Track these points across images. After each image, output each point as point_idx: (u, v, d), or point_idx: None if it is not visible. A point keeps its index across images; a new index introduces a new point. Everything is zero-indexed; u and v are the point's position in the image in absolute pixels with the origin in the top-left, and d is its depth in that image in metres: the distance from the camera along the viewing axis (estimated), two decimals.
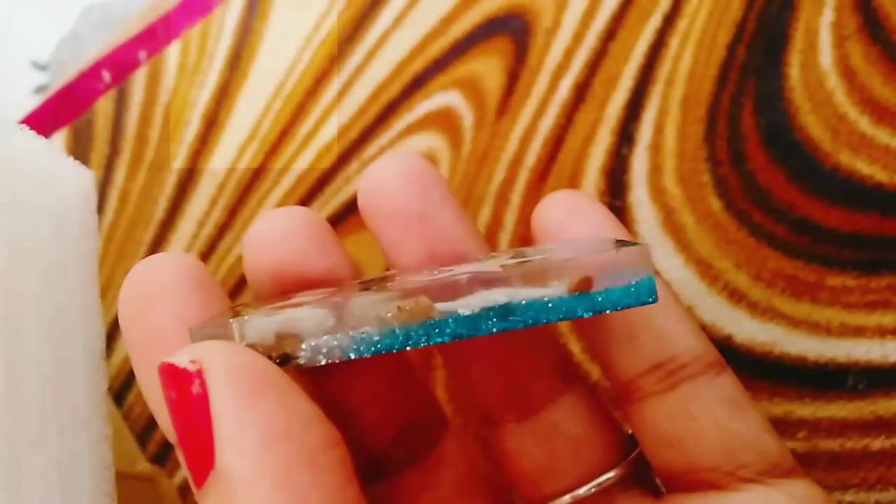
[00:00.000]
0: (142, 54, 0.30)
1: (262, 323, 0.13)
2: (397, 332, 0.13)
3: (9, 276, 0.18)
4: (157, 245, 0.28)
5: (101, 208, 0.29)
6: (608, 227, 0.16)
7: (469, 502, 0.17)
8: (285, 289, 0.16)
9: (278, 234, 0.16)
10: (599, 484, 0.16)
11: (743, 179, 0.23)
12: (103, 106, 0.30)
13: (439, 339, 0.13)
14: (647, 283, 0.14)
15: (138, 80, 0.30)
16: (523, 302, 0.13)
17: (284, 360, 0.13)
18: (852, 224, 0.21)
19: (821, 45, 0.23)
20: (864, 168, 0.22)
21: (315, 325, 0.13)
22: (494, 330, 0.13)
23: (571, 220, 0.16)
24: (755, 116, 0.23)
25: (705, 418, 0.15)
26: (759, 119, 0.23)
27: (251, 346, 0.13)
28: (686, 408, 0.15)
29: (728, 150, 0.23)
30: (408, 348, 0.13)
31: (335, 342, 0.13)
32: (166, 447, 0.26)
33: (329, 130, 0.27)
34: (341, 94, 0.27)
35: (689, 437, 0.15)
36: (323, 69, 0.27)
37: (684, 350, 0.16)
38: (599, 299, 0.13)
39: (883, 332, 0.21)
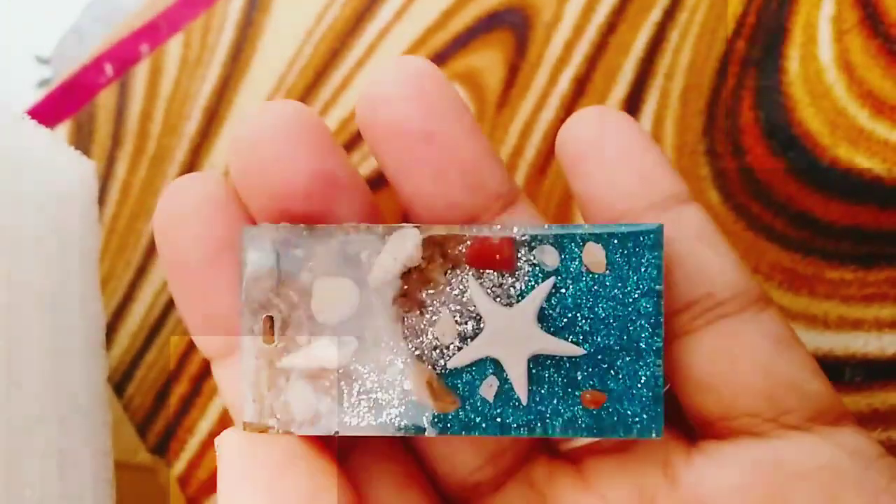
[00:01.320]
0: (144, 48, 0.30)
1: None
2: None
3: (10, 264, 0.18)
4: None
5: (102, 200, 0.29)
6: (640, 146, 0.15)
7: None
8: (275, 193, 0.14)
9: (267, 131, 0.14)
10: None
11: (742, 173, 0.23)
12: (105, 99, 0.30)
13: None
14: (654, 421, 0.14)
15: (140, 73, 0.30)
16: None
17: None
18: (851, 218, 0.22)
19: (820, 39, 0.23)
20: (863, 162, 0.22)
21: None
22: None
23: (601, 141, 0.15)
24: (754, 110, 0.23)
25: (745, 358, 0.14)
26: (759, 112, 0.23)
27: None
28: (724, 347, 0.14)
29: (727, 144, 0.23)
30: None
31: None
32: (166, 438, 0.26)
33: (330, 124, 0.27)
34: (342, 87, 0.27)
35: (727, 379, 0.14)
36: (324, 63, 0.27)
37: (724, 286, 0.14)
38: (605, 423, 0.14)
39: (880, 325, 0.21)
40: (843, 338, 0.21)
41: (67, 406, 0.18)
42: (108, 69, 0.31)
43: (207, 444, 0.26)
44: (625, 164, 0.14)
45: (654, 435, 0.14)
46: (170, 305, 0.27)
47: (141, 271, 0.28)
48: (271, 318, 0.15)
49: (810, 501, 0.13)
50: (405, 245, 0.14)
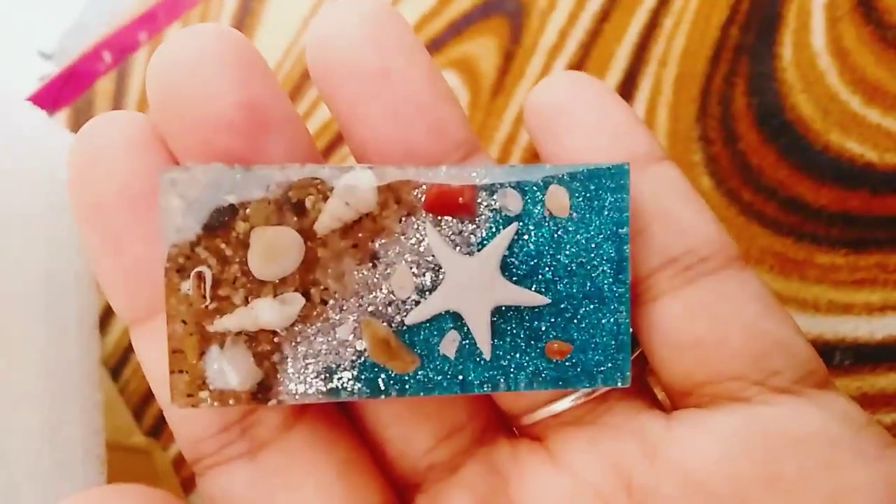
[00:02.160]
0: (142, 35, 0.31)
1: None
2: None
3: (4, 243, 0.18)
4: None
5: None
6: (610, 106, 0.14)
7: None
8: (194, 125, 0.13)
9: (187, 55, 0.12)
10: (588, 393, 0.14)
11: (734, 158, 0.23)
12: (104, 86, 0.30)
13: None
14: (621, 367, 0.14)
15: (138, 61, 0.30)
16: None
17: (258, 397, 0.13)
18: (842, 203, 0.22)
19: (813, 26, 0.23)
20: (855, 147, 0.22)
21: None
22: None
23: (571, 103, 0.14)
24: (747, 96, 0.23)
25: (729, 317, 0.13)
26: (752, 99, 0.23)
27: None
28: (707, 305, 0.13)
29: (720, 130, 0.23)
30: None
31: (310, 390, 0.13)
32: (162, 420, 0.27)
33: (325, 112, 0.27)
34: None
35: (710, 339, 0.13)
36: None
37: (703, 242, 0.13)
38: (569, 374, 0.14)
39: (870, 310, 0.21)
40: (833, 322, 0.21)
41: (60, 384, 0.19)
42: (107, 57, 0.31)
43: None
44: (596, 124, 0.14)
45: (619, 383, 0.13)
46: None
47: None
48: (200, 274, 0.13)
49: (804, 468, 0.12)
50: (359, 189, 0.13)
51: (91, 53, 0.31)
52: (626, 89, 0.24)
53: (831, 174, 0.22)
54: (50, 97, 0.31)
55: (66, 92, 0.31)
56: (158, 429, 0.27)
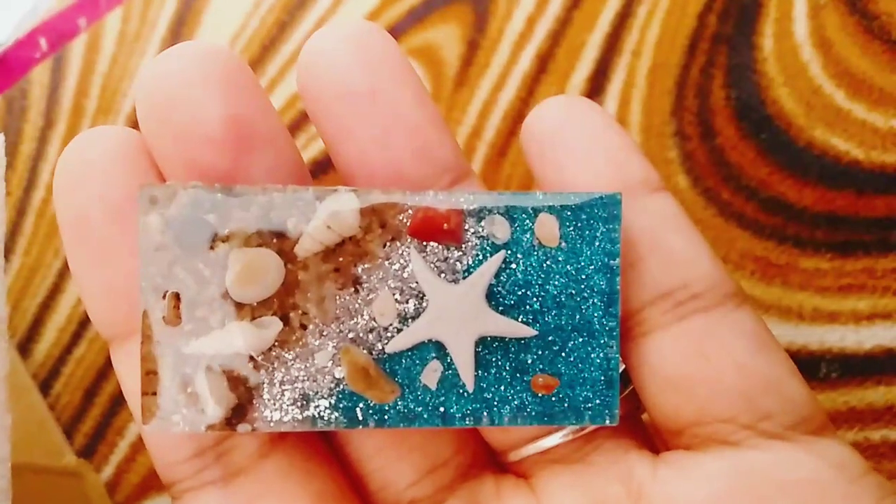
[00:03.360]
0: (81, 21, 0.28)
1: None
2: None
3: None
4: None
5: (33, 183, 0.27)
6: (608, 133, 0.14)
7: None
8: (180, 140, 0.13)
9: (175, 69, 0.12)
10: (578, 430, 0.14)
11: (712, 155, 0.21)
12: (39, 75, 0.28)
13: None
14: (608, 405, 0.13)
15: (76, 48, 0.28)
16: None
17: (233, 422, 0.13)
18: (826, 203, 0.20)
19: (795, 15, 0.21)
20: (840, 144, 0.20)
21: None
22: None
23: (569, 128, 0.14)
24: (726, 89, 0.21)
25: (721, 356, 0.13)
26: (730, 92, 0.21)
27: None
28: (698, 343, 0.13)
29: (697, 125, 0.22)
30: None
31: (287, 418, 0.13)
32: (94, 439, 0.24)
33: (276, 101, 0.25)
34: (290, 62, 0.25)
35: (702, 378, 0.13)
36: (271, 36, 0.25)
37: (697, 277, 0.13)
38: (556, 410, 0.13)
39: (858, 318, 0.20)
40: (818, 331, 0.20)
41: None
42: (43, 43, 0.29)
43: (138, 447, 0.24)
44: (594, 151, 0.14)
45: (607, 421, 0.13)
46: None
47: None
48: (177, 295, 0.13)
49: None
50: (342, 212, 0.13)
51: (25, 40, 0.29)
52: (598, 81, 0.22)
53: (815, 172, 0.20)
54: None
55: None
56: (91, 448, 0.24)
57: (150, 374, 0.13)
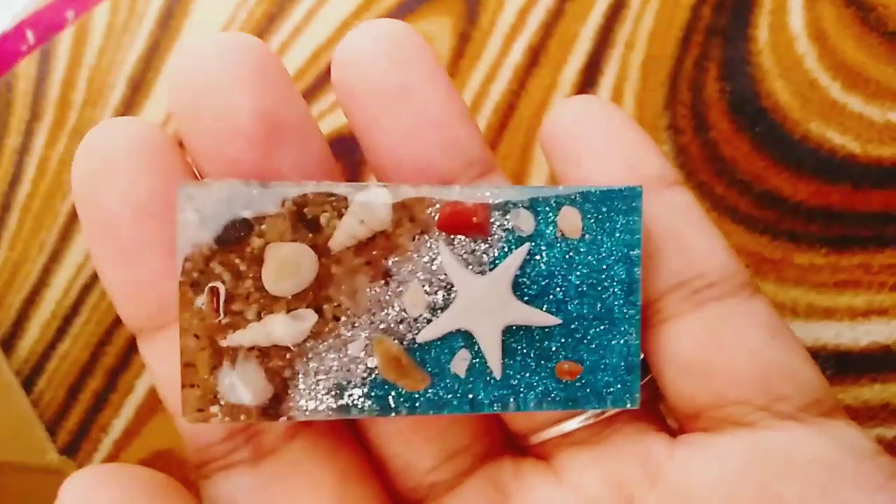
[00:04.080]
0: (69, 13, 0.28)
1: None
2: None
3: None
4: (75, 218, 0.26)
5: (18, 177, 0.26)
6: (625, 130, 0.14)
7: None
8: (212, 134, 0.13)
9: (207, 63, 0.13)
10: (597, 415, 0.14)
11: (705, 149, 0.21)
12: (25, 68, 0.28)
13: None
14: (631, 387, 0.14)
15: (64, 40, 0.28)
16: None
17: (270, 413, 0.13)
18: (822, 197, 0.20)
19: (791, 7, 0.21)
20: (836, 137, 0.20)
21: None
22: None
23: (587, 126, 0.14)
24: (720, 82, 0.21)
25: (737, 342, 0.13)
26: (724, 84, 0.21)
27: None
28: (715, 330, 0.13)
29: (690, 118, 0.21)
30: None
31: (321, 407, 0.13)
32: (78, 437, 0.24)
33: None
34: (279, 54, 0.25)
35: (717, 363, 0.13)
36: (260, 28, 0.25)
37: (713, 267, 0.13)
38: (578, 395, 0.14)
39: (853, 314, 0.19)
40: (813, 327, 0.19)
41: None
42: (30, 36, 0.28)
43: (122, 444, 0.24)
44: (611, 148, 0.14)
45: (628, 405, 0.14)
46: (85, 292, 0.25)
47: (56, 255, 0.25)
48: (215, 289, 0.13)
49: (802, 495, 0.12)
50: (374, 207, 0.13)
51: (12, 32, 0.29)
52: (590, 73, 0.22)
53: (810, 166, 0.20)
54: None
55: None
56: (75, 446, 0.24)
57: (188, 367, 0.13)
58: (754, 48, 0.21)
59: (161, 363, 0.14)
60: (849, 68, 0.20)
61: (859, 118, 0.20)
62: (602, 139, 0.14)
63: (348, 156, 0.24)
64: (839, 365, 0.19)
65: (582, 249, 0.13)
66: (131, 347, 0.24)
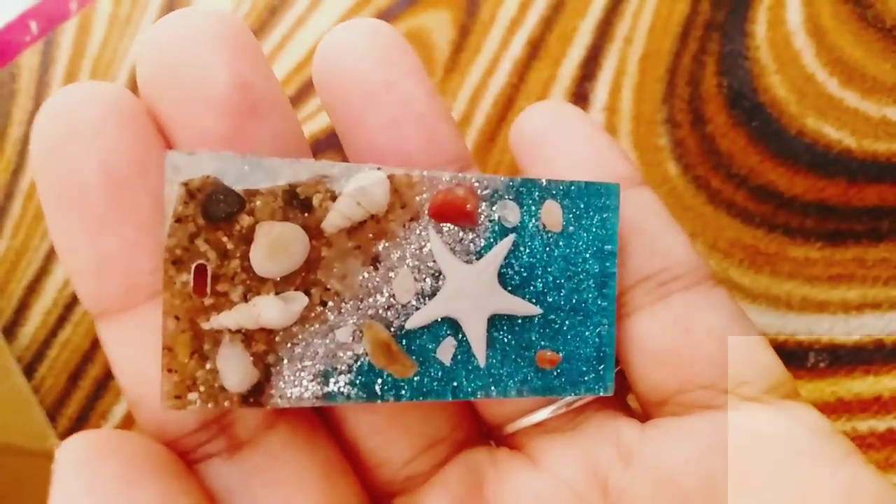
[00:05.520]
0: (72, 4, 0.28)
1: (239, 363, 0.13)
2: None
3: None
4: None
5: (21, 166, 0.27)
6: (592, 133, 0.15)
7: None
8: (185, 104, 0.12)
9: (180, 33, 0.12)
10: (569, 403, 0.15)
11: (703, 143, 0.21)
12: (28, 59, 0.28)
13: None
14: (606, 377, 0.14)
15: (67, 31, 0.28)
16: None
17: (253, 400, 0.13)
18: (817, 192, 0.20)
19: (789, 2, 0.21)
20: (832, 132, 0.20)
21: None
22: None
23: (556, 128, 0.15)
24: (718, 76, 0.21)
25: (702, 329, 0.14)
26: (722, 79, 0.21)
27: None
28: (680, 318, 0.14)
29: (688, 112, 0.21)
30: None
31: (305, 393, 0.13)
32: (78, 423, 0.24)
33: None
34: (280, 46, 0.25)
35: (683, 350, 0.14)
36: (261, 20, 0.25)
37: (677, 261, 0.14)
38: (555, 384, 0.14)
39: (847, 308, 0.19)
40: (807, 320, 0.19)
41: None
42: (34, 26, 0.29)
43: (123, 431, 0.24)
44: (579, 149, 0.14)
45: (602, 392, 0.14)
46: None
47: None
48: (202, 267, 0.12)
49: (772, 469, 0.13)
50: (371, 188, 0.13)
51: (15, 23, 0.29)
52: (589, 68, 0.22)
53: (806, 161, 0.20)
54: None
55: None
56: (74, 431, 0.24)
57: (167, 351, 0.12)
58: (752, 43, 0.21)
59: (125, 348, 0.13)
60: (846, 64, 0.20)
61: (855, 113, 0.20)
62: (571, 142, 0.14)
63: (340, 151, 0.24)
64: (832, 357, 0.19)
65: (561, 243, 0.14)
66: None
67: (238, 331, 0.12)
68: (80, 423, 0.24)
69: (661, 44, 0.22)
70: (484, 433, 0.16)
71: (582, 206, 0.14)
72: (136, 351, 0.12)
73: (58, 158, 0.12)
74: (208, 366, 0.12)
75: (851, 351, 0.19)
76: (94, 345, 0.24)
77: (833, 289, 0.19)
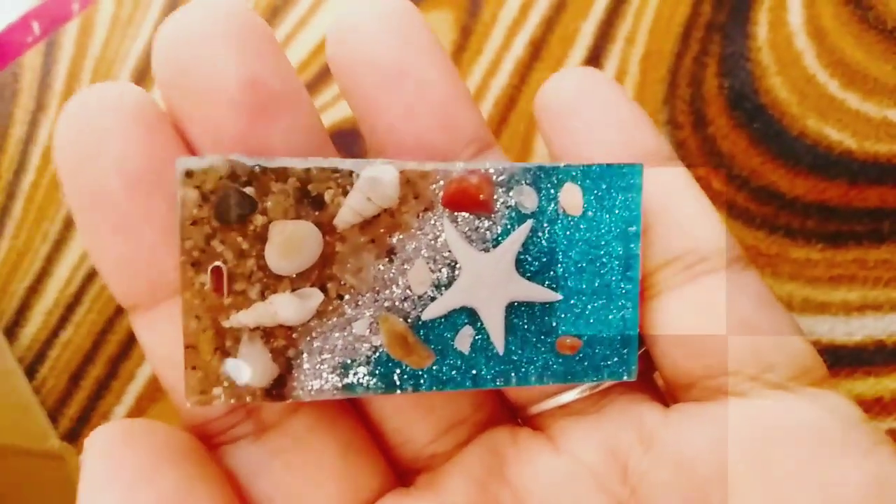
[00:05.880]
0: (75, 5, 0.28)
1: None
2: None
3: None
4: None
5: (23, 167, 0.27)
6: (622, 104, 0.14)
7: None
8: (198, 101, 0.13)
9: (193, 28, 0.12)
10: (595, 386, 0.14)
11: (704, 144, 0.21)
12: (31, 59, 0.28)
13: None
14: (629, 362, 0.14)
15: (69, 32, 0.28)
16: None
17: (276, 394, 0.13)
18: (818, 193, 0.20)
19: (790, 4, 0.21)
20: (833, 134, 0.20)
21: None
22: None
23: (583, 97, 0.14)
24: (719, 78, 0.21)
25: (729, 313, 0.13)
26: (723, 80, 0.21)
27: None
28: (708, 302, 0.13)
29: (689, 113, 0.21)
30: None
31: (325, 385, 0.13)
32: (79, 423, 0.24)
33: None
34: (283, 46, 0.25)
35: (709, 335, 0.13)
36: (265, 18, 0.25)
37: (706, 242, 0.13)
38: (577, 369, 0.14)
39: (848, 309, 0.19)
40: (807, 321, 0.19)
41: None
42: (36, 27, 0.29)
43: None
44: (607, 121, 0.14)
45: (625, 377, 0.14)
46: (87, 280, 0.25)
47: (59, 244, 0.26)
48: (219, 268, 0.12)
49: (792, 459, 0.12)
50: (381, 183, 0.13)
51: (18, 24, 0.29)
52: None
53: (807, 162, 0.20)
54: None
55: None
56: (76, 432, 0.24)
57: (190, 349, 0.13)
58: (753, 45, 0.21)
59: (157, 340, 0.13)
60: (847, 65, 0.20)
61: (857, 115, 0.20)
62: (598, 112, 0.14)
63: (348, 149, 0.24)
64: (833, 359, 0.19)
65: (582, 226, 0.14)
66: (133, 336, 0.24)
67: (257, 328, 0.13)
68: (82, 423, 0.24)
69: (662, 45, 0.22)
70: (507, 413, 0.16)
71: (604, 187, 0.13)
72: (167, 340, 0.13)
73: (81, 160, 0.12)
74: (230, 362, 0.13)
75: (852, 352, 0.19)
76: (96, 345, 0.24)
77: (834, 290, 0.20)
